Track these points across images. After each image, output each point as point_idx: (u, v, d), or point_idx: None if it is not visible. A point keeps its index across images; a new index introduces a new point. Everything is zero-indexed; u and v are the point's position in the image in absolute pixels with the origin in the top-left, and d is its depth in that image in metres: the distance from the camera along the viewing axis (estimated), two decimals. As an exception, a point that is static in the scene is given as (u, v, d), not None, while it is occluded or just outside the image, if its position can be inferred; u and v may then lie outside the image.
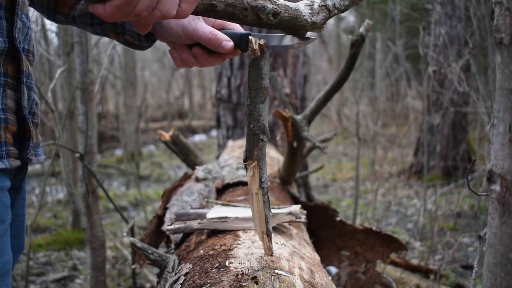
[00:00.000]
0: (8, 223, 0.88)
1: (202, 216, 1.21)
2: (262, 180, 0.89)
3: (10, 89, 0.81)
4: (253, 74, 0.85)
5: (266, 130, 0.87)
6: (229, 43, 0.86)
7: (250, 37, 0.85)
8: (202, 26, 0.87)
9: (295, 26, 0.84)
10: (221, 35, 0.86)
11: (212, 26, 0.88)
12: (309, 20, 0.84)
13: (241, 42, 0.88)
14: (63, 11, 0.92)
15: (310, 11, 0.85)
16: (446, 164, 5.74)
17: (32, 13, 3.10)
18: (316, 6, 0.85)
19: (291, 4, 0.83)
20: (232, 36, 0.88)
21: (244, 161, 0.89)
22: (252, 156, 0.88)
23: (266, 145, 0.89)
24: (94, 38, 3.05)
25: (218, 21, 0.89)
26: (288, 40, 0.90)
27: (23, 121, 0.84)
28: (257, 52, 0.83)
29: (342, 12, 0.90)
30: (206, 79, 15.18)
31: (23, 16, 0.86)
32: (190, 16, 0.87)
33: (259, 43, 0.83)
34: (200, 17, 0.88)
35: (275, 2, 0.80)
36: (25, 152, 0.86)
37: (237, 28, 0.90)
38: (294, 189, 2.09)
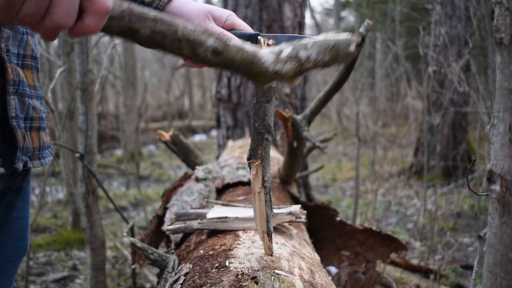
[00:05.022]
0: None
1: (202, 216, 1.21)
2: (265, 179, 0.90)
3: None
4: None
5: (271, 129, 0.88)
6: None
7: (259, 37, 0.86)
8: (212, 27, 0.88)
9: (250, 71, 0.72)
10: (230, 35, 0.87)
11: (222, 27, 0.89)
12: (271, 69, 0.72)
13: (250, 42, 0.89)
14: None
15: (274, 59, 0.73)
16: (446, 164, 5.74)
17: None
18: (284, 55, 0.73)
19: (249, 47, 0.72)
20: (241, 36, 0.89)
21: (248, 159, 0.89)
22: (256, 154, 0.89)
23: (270, 145, 0.89)
24: (94, 38, 3.04)
25: (228, 21, 0.91)
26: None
27: (11, 130, 0.84)
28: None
29: (321, 67, 0.76)
30: (206, 79, 15.18)
31: None
32: (200, 16, 0.88)
33: (267, 43, 0.83)
34: (210, 17, 0.89)
35: (222, 40, 0.69)
36: (14, 160, 0.86)
37: (246, 28, 0.91)
38: (294, 189, 2.09)
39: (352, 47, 0.75)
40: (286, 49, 0.74)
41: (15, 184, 0.95)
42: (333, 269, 1.87)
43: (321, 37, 0.77)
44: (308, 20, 12.91)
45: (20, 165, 0.86)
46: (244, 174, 1.83)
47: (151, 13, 0.63)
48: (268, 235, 0.94)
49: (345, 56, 0.76)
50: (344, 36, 0.76)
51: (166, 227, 1.31)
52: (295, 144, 1.79)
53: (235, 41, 0.71)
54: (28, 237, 1.04)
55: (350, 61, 1.57)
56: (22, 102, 0.86)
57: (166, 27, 0.64)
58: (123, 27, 0.61)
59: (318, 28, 9.95)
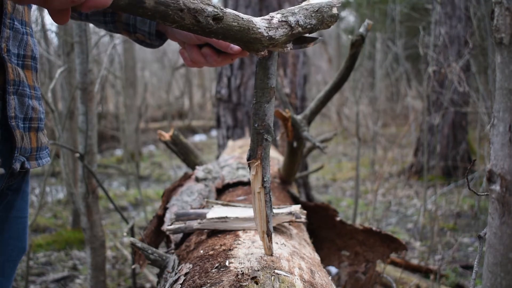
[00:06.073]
0: None
1: (202, 216, 1.21)
2: (265, 179, 0.90)
3: None
4: (260, 73, 0.84)
5: (270, 129, 0.87)
6: None
7: None
8: None
9: (247, 38, 0.76)
10: None
11: None
12: (266, 34, 0.77)
13: None
14: (77, 8, 0.93)
15: (267, 25, 0.77)
16: (446, 164, 5.74)
17: (32, 12, 3.09)
18: (275, 21, 0.79)
19: (243, 15, 0.76)
20: None
21: (248, 159, 0.89)
22: (256, 155, 0.88)
23: (270, 145, 0.89)
24: (94, 38, 3.03)
25: None
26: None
27: (10, 130, 0.84)
28: (264, 52, 0.82)
29: (309, 32, 0.82)
30: (206, 79, 15.18)
31: (15, 23, 0.85)
32: None
33: None
34: None
35: (220, 8, 0.73)
36: (11, 160, 0.86)
37: None
38: (294, 189, 2.08)
39: (335, 10, 0.83)
40: (276, 15, 0.79)
41: (14, 184, 0.95)
42: (333, 269, 1.87)
43: (305, 3, 0.83)
44: (308, 20, 12.82)
45: (17, 166, 0.86)
46: (244, 174, 1.83)
47: None
48: (268, 235, 0.94)
49: (330, 18, 0.83)
50: (326, 0, 0.83)
51: (166, 227, 1.31)
52: (295, 144, 1.79)
53: (231, 10, 0.75)
54: (27, 236, 1.04)
55: (355, 51, 1.57)
56: (21, 102, 0.86)
57: None
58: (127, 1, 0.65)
59: (318, 28, 9.93)
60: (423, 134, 5.00)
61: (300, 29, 0.80)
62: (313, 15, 0.81)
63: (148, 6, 0.65)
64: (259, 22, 0.77)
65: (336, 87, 1.67)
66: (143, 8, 0.65)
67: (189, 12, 0.69)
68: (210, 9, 0.71)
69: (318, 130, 9.86)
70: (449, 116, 5.78)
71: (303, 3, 0.84)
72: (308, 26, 0.81)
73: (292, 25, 0.79)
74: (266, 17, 0.79)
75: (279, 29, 0.78)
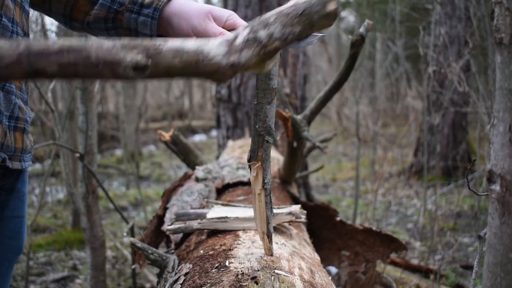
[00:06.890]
0: None
1: (202, 216, 1.21)
2: (265, 181, 0.89)
3: None
4: (261, 74, 0.83)
5: (271, 131, 0.87)
6: None
7: None
8: (213, 27, 0.86)
9: (198, 73, 0.58)
10: (228, 35, 0.86)
11: (223, 27, 0.88)
12: (224, 63, 0.57)
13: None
14: (78, 18, 0.94)
15: (226, 49, 0.58)
16: (446, 164, 5.74)
17: (32, 13, 3.10)
18: (239, 41, 0.60)
19: (191, 44, 0.57)
20: None
21: (248, 161, 0.89)
22: (257, 156, 0.88)
23: (271, 146, 0.89)
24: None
25: (229, 21, 0.88)
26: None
27: None
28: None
29: (295, 41, 0.62)
30: (206, 79, 15.14)
31: (4, 19, 0.84)
32: (200, 16, 0.87)
33: None
34: (211, 17, 0.87)
35: (152, 48, 0.54)
36: None
37: None
38: (294, 189, 2.08)
39: (331, 6, 0.60)
40: (242, 32, 0.60)
41: (7, 184, 0.94)
42: (333, 269, 1.87)
43: (288, 5, 0.63)
44: (308, 20, 12.80)
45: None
46: (244, 174, 1.83)
47: (55, 46, 0.53)
48: (268, 236, 0.94)
49: (323, 19, 0.61)
50: None
51: (166, 227, 1.31)
52: (295, 144, 1.79)
53: (172, 42, 0.56)
54: (23, 236, 1.04)
55: (355, 52, 1.57)
56: (8, 99, 0.85)
57: (76, 56, 0.53)
58: (25, 71, 0.51)
59: (318, 28, 9.92)
60: (423, 134, 5.00)
61: (277, 43, 0.61)
62: (296, 20, 0.60)
63: (50, 72, 0.52)
64: (214, 48, 0.58)
65: (336, 87, 1.66)
66: (45, 75, 0.52)
67: (106, 65, 0.53)
68: (128, 58, 0.54)
69: (318, 130, 9.86)
70: (449, 116, 5.78)
71: (284, 6, 0.64)
72: (290, 37, 0.61)
73: (263, 42, 0.60)
74: (229, 36, 0.61)
75: (245, 51, 0.59)
